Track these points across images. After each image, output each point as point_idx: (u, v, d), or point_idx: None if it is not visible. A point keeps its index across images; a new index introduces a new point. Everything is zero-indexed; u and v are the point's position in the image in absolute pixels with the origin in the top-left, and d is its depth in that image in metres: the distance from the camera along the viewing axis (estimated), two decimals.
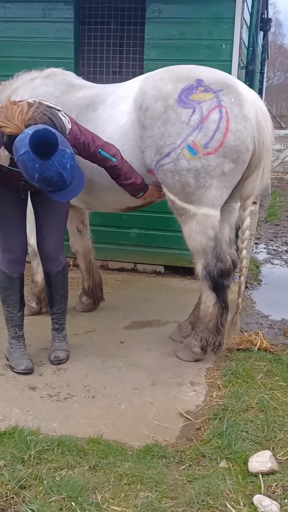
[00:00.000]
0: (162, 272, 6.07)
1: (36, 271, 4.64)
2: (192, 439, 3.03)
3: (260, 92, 13.96)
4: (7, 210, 3.60)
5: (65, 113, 3.38)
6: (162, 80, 3.61)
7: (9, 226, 3.63)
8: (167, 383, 3.65)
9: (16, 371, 3.71)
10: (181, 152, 3.52)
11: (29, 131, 2.94)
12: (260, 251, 7.42)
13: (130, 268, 6.15)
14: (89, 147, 3.48)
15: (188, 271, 5.48)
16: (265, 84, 20.38)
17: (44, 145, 2.87)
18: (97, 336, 4.43)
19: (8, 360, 3.82)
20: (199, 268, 3.79)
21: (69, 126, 3.35)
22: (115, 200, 4.07)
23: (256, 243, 7.79)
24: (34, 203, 3.72)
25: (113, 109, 3.82)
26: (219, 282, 3.74)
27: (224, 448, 2.87)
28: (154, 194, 3.82)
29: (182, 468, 2.76)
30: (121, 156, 3.61)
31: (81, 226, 4.71)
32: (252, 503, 2.47)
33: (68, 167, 2.98)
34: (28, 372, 3.69)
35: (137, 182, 3.71)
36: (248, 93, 3.59)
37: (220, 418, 3.13)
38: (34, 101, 3.26)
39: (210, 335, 3.86)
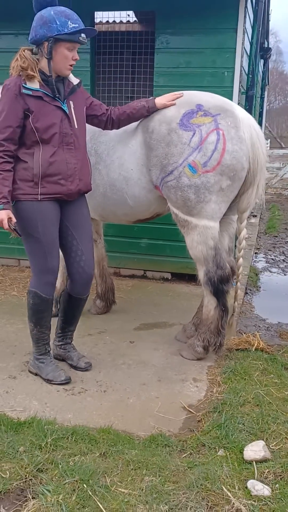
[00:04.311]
0: (169, 278, 5.89)
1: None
2: (193, 430, 2.98)
3: (260, 115, 13.79)
4: (54, 229, 3.23)
5: None
6: None
7: (54, 245, 3.24)
8: (172, 379, 3.59)
9: (57, 382, 3.40)
10: (183, 170, 3.48)
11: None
12: (260, 260, 7.33)
13: (140, 275, 5.99)
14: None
15: (192, 278, 5.38)
16: (266, 107, 20.25)
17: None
18: (109, 336, 4.32)
19: (37, 374, 3.51)
20: (201, 275, 3.72)
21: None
22: (127, 213, 4.04)
23: (256, 253, 7.69)
24: (67, 218, 3.33)
25: (123, 132, 3.80)
26: (219, 288, 3.66)
27: (222, 438, 2.83)
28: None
29: (183, 456, 2.74)
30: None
31: (96, 236, 4.56)
32: (246, 487, 2.47)
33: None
34: (68, 381, 3.42)
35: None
36: (244, 116, 3.52)
37: (219, 412, 3.09)
38: None
39: (211, 336, 3.78)
